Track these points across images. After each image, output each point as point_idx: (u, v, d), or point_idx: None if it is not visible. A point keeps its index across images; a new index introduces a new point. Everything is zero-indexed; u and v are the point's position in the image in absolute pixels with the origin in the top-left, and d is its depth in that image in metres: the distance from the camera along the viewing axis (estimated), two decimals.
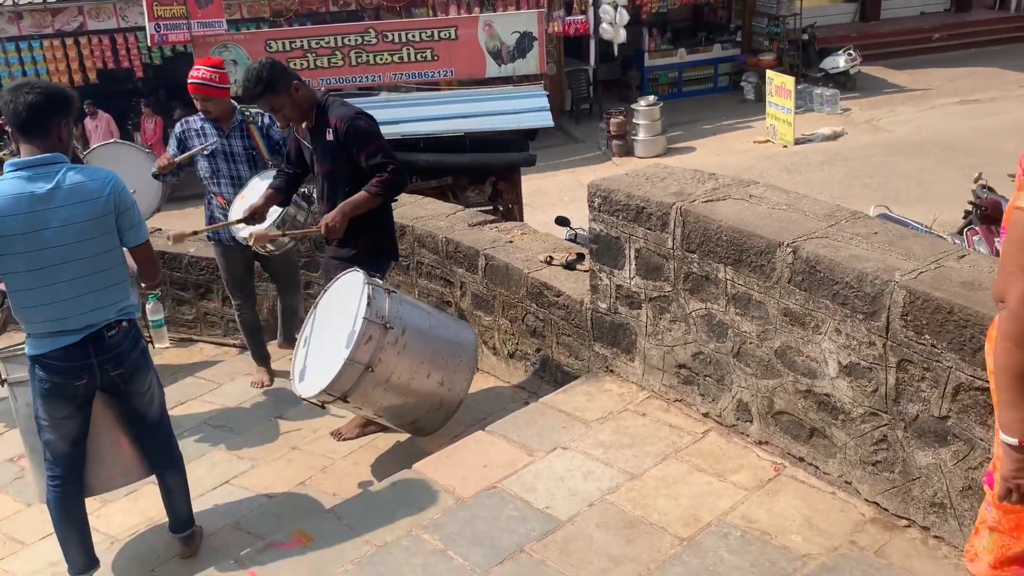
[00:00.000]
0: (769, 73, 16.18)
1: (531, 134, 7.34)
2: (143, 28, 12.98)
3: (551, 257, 4.45)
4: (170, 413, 4.85)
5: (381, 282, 3.81)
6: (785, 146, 15.52)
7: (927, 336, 2.61)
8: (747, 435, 3.36)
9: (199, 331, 6.48)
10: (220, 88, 4.70)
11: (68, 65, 14.94)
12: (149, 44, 11.61)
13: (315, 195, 4.35)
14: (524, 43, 9.84)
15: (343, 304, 3.73)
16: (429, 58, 8.74)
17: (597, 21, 16.24)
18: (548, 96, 7.52)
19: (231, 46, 9.26)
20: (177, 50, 13.59)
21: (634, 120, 15.86)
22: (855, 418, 2.91)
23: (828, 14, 20.53)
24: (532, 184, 13.18)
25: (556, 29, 16.49)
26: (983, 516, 2.11)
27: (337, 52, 8.74)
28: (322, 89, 4.21)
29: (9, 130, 3.03)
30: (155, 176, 4.85)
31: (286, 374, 5.13)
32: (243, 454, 4.39)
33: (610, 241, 3.76)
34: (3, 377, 3.42)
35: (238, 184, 4.74)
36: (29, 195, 2.88)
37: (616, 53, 17.29)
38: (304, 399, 3.75)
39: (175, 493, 3.47)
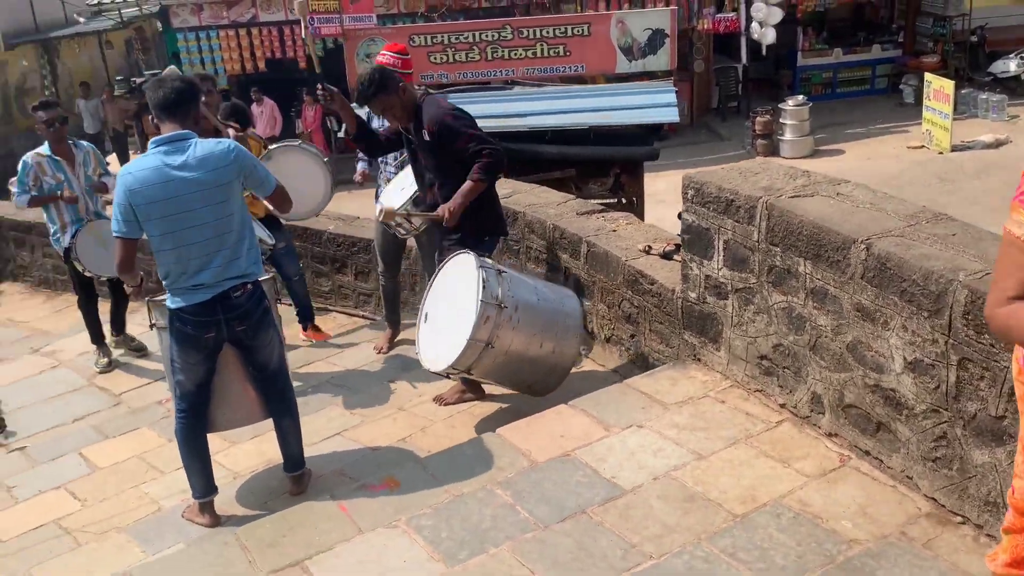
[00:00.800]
0: (928, 76, 15.44)
1: (657, 129, 7.47)
2: None
3: (650, 247, 4.62)
4: (300, 371, 5.42)
5: (491, 263, 4.16)
6: (940, 152, 14.79)
7: (986, 336, 2.65)
8: (819, 427, 3.44)
9: (333, 302, 7.02)
10: (403, 72, 5.08)
11: (240, 54, 16.16)
12: (303, 35, 12.45)
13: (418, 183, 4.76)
14: (656, 40, 9.92)
15: (459, 285, 4.14)
16: (561, 53, 9.01)
17: (748, 19, 16.00)
18: (677, 92, 7.62)
19: (378, 40, 9.83)
20: (339, 42, 14.49)
21: (781, 120, 15.53)
22: (918, 414, 2.96)
23: (1001, 15, 19.29)
24: (668, 180, 13.21)
25: (706, 26, 16.35)
26: (1007, 517, 2.17)
27: (475, 47, 9.15)
28: (422, 89, 4.57)
29: (153, 113, 3.55)
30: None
31: (404, 343, 5.59)
32: (356, 411, 4.82)
33: (700, 232, 3.90)
34: (152, 321, 3.95)
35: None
36: (166, 166, 3.37)
37: (765, 51, 16.94)
38: (433, 372, 4.23)
39: (288, 436, 3.90)
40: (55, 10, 18.72)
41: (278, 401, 3.89)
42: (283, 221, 5.90)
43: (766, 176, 3.75)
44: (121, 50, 22.07)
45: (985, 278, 2.71)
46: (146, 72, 19.96)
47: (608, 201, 7.94)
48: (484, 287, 3.94)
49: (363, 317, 6.67)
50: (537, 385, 4.31)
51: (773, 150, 15.50)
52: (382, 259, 5.54)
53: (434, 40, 9.39)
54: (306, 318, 6.24)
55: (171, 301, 3.55)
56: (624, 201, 7.81)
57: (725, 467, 3.31)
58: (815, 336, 3.38)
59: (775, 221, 3.45)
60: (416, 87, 4.60)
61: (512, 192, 5.90)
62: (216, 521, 3.79)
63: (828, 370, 3.34)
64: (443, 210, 4.29)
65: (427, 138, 4.30)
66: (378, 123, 5.12)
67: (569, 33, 8.96)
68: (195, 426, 3.75)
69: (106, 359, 6.19)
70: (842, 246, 3.15)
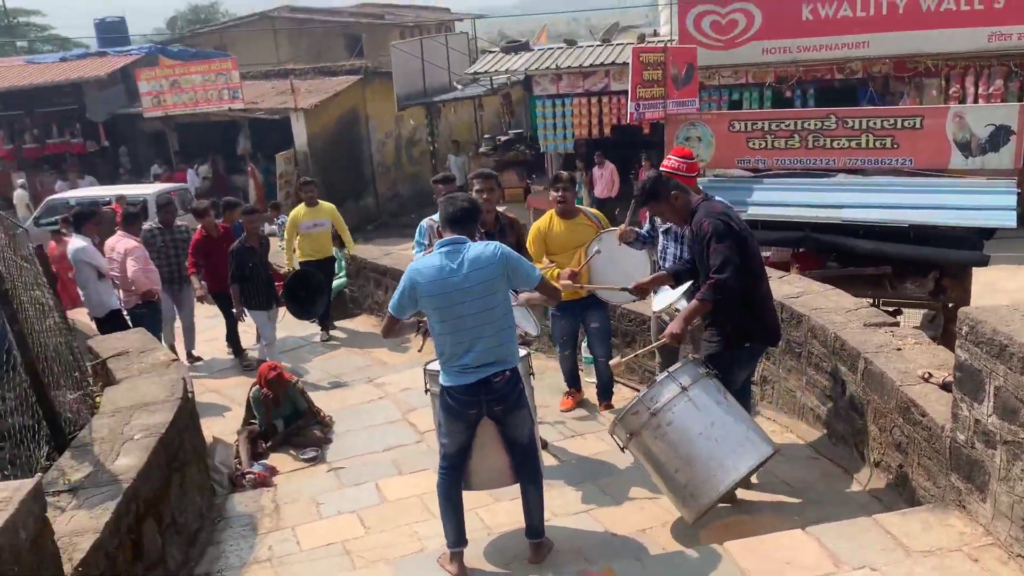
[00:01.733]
0: None
1: (988, 232, 6.81)
2: None
3: (930, 374, 4.32)
4: (562, 443, 5.75)
5: (687, 379, 4.26)
6: None
7: None
8: None
9: (620, 374, 7.31)
10: (686, 176, 5.39)
11: (590, 120, 17.24)
12: (629, 120, 13.01)
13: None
14: (998, 136, 8.94)
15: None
16: (889, 146, 8.49)
17: None
18: (1021, 193, 6.89)
19: (698, 124, 10.04)
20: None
21: None
22: None
23: None
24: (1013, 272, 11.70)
25: None
26: None
27: (795, 135, 8.97)
28: (700, 196, 4.71)
29: (440, 223, 4.28)
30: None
31: None
32: (609, 491, 5.04)
33: (972, 372, 3.62)
34: (427, 387, 4.57)
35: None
36: (446, 266, 3.96)
37: None
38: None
39: (532, 505, 4.27)
40: (442, 77, 21.43)
41: (525, 471, 4.28)
42: (605, 301, 6.21)
43: None
44: (492, 112, 24.58)
45: None
46: (511, 132, 22.05)
47: (928, 303, 7.38)
48: (650, 387, 4.29)
49: None
50: (669, 497, 4.43)
51: None
52: (658, 351, 5.71)
53: (754, 126, 9.38)
54: (605, 397, 6.55)
55: (442, 378, 4.13)
56: (951, 305, 7.20)
57: None
58: None
59: None
60: (696, 190, 4.82)
61: (803, 292, 5.80)
62: (462, 572, 4.24)
63: None
64: (670, 331, 4.45)
65: (694, 236, 4.53)
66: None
67: (899, 125, 8.46)
68: (453, 482, 4.26)
69: None
70: None
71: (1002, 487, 3.49)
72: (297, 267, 9.39)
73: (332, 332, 9.92)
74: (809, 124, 8.96)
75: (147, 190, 16.16)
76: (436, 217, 6.46)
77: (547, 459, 5.41)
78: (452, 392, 4.07)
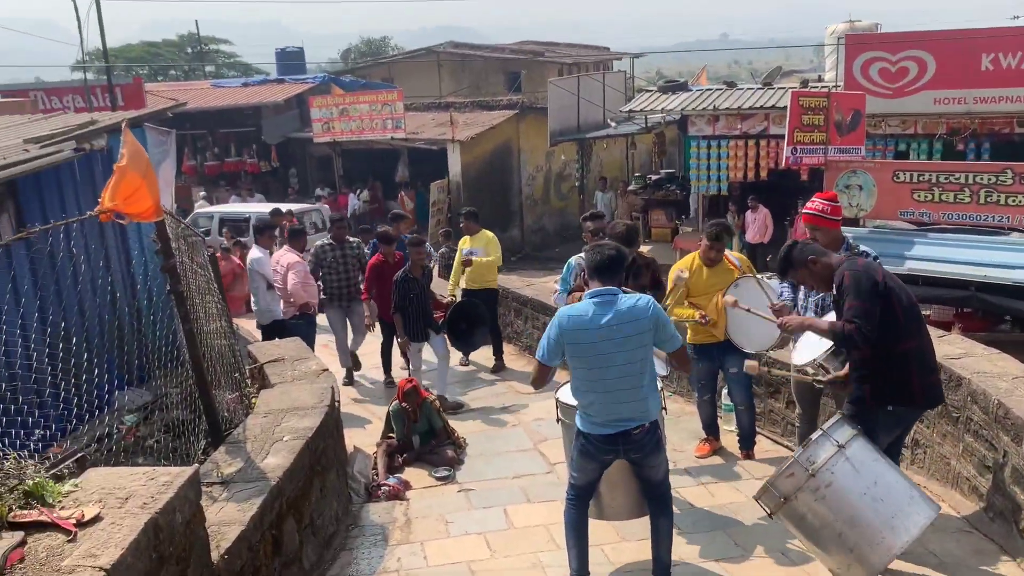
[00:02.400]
0: None
1: None
2: None
3: None
4: (699, 494, 5.63)
5: (844, 436, 4.11)
6: None
7: None
8: None
9: (762, 424, 7.07)
10: (830, 219, 5.24)
11: (746, 163, 16.90)
12: (786, 164, 12.65)
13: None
14: None
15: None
16: None
17: None
18: None
19: (860, 172, 9.65)
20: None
21: None
22: None
23: None
24: None
25: None
26: None
27: (966, 189, 8.44)
28: (842, 256, 4.59)
29: (586, 272, 4.30)
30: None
31: None
32: (740, 543, 4.89)
33: None
34: (559, 417, 4.64)
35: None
36: (597, 316, 3.99)
37: None
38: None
39: (662, 538, 4.27)
40: (596, 114, 21.63)
41: (657, 504, 4.30)
42: (742, 349, 6.00)
43: None
44: (643, 151, 24.54)
45: None
46: (662, 171, 21.95)
47: None
48: (806, 447, 4.14)
49: (787, 447, 6.63)
50: (831, 566, 4.23)
51: None
52: (799, 403, 5.54)
53: (920, 177, 8.92)
54: (746, 446, 6.41)
55: (581, 423, 4.18)
56: None
57: None
58: None
59: None
60: (839, 236, 4.74)
61: (965, 354, 5.47)
62: None
63: None
64: (784, 320, 4.60)
65: (835, 292, 4.33)
66: None
67: None
68: (581, 512, 4.31)
69: None
70: None
71: None
72: (458, 297, 9.45)
73: (471, 357, 10.05)
74: (982, 178, 8.44)
75: (254, 209, 17.11)
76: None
77: (677, 506, 5.30)
78: (590, 438, 4.12)
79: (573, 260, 6.33)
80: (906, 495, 4.08)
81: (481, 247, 9.59)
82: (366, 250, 9.80)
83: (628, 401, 4.04)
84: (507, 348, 10.64)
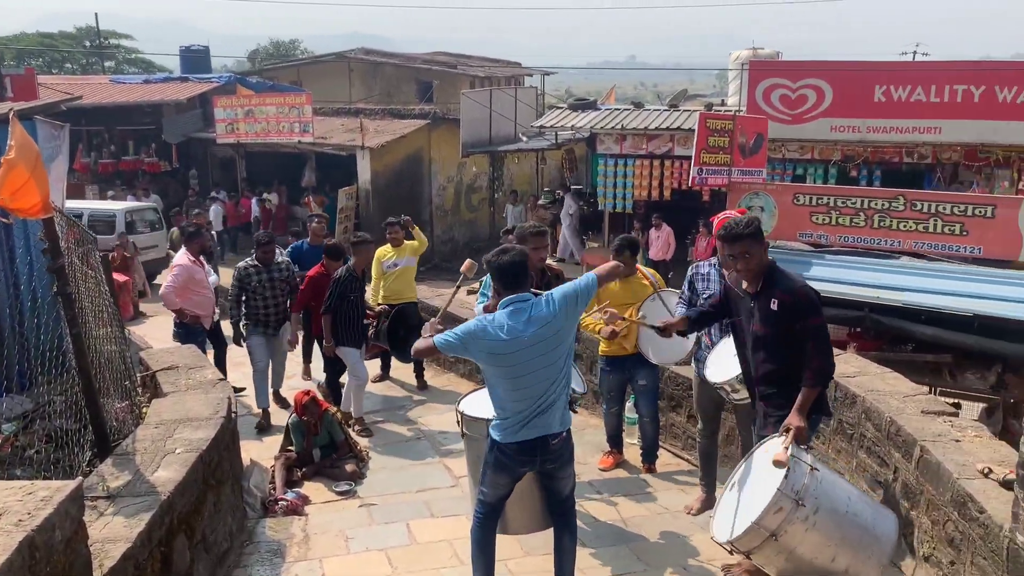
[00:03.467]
0: None
1: None
2: None
3: (990, 469, 4.15)
4: (601, 508, 5.63)
5: (809, 458, 3.96)
6: None
7: None
8: None
9: (664, 438, 7.16)
10: None
11: (650, 182, 17.24)
12: (691, 184, 13.01)
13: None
14: None
15: (767, 467, 3.98)
16: (957, 232, 8.30)
17: None
18: None
19: (762, 194, 10.00)
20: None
21: None
22: None
23: None
24: None
25: None
26: None
27: (861, 213, 8.84)
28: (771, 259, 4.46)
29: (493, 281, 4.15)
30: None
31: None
32: (643, 558, 4.91)
33: None
34: (463, 431, 4.55)
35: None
36: (515, 327, 3.89)
37: None
38: (713, 539, 4.13)
39: (565, 555, 4.22)
40: (507, 128, 21.73)
41: (562, 520, 4.24)
42: (654, 362, 6.04)
43: None
44: (553, 166, 24.79)
45: None
46: (572, 187, 22.19)
47: (989, 396, 7.16)
48: (787, 476, 3.81)
49: (687, 460, 6.72)
50: None
51: None
52: (701, 417, 5.61)
53: (819, 201, 9.29)
54: (649, 459, 6.43)
55: (495, 433, 4.08)
56: (1012, 401, 6.98)
57: None
58: None
59: None
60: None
61: (859, 372, 5.66)
62: None
63: None
64: (795, 425, 4.08)
65: (773, 307, 4.17)
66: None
67: (970, 213, 8.28)
68: (489, 529, 4.22)
69: None
70: None
71: None
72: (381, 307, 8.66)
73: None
74: (876, 203, 8.84)
75: (117, 206, 18.28)
76: None
77: (581, 519, 5.29)
78: (506, 449, 4.03)
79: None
80: (869, 504, 4.08)
81: (405, 258, 9.10)
82: (282, 255, 8.97)
83: (547, 409, 3.96)
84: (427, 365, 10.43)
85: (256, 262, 8.10)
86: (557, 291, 4.04)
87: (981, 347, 6.67)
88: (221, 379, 5.88)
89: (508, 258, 4.04)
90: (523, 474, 4.13)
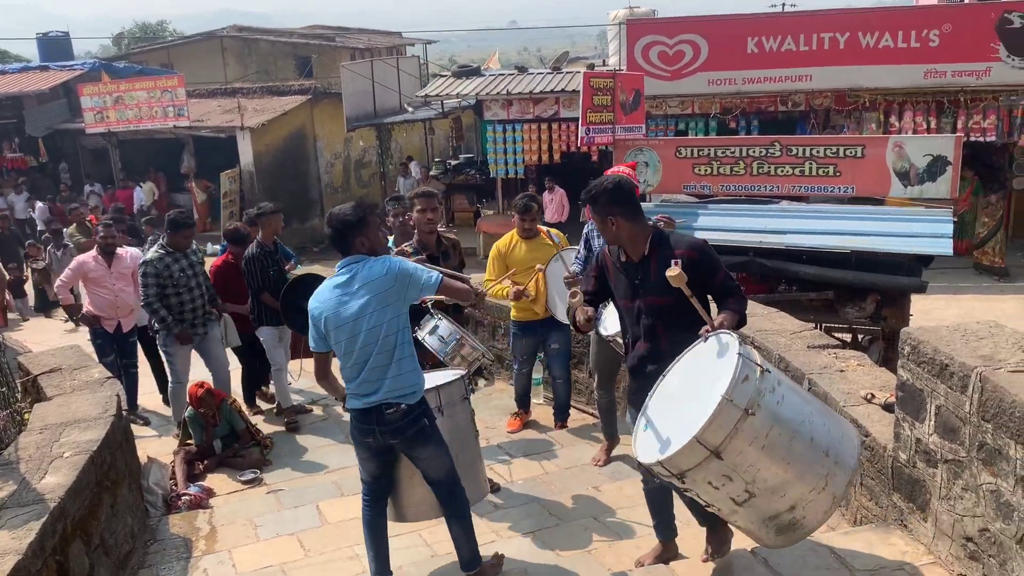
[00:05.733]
0: None
1: (927, 259, 6.99)
2: None
3: (872, 395, 4.37)
4: (512, 468, 5.67)
5: (757, 356, 3.22)
6: None
7: None
8: None
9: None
10: (636, 186, 5.34)
11: (540, 146, 17.35)
12: (580, 145, 13.16)
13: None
14: (936, 166, 9.25)
15: (704, 374, 3.28)
16: (831, 174, 8.71)
17: None
18: (955, 221, 7.11)
19: (646, 149, 10.20)
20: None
21: None
22: None
23: None
24: (963, 305, 12.09)
25: None
26: None
27: (741, 162, 9.14)
28: (652, 220, 4.31)
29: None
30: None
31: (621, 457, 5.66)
32: (555, 514, 4.99)
33: (914, 392, 3.67)
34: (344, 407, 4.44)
35: None
36: (342, 290, 3.80)
37: None
38: (639, 463, 3.44)
39: (459, 539, 4.09)
40: (392, 100, 21.40)
41: (447, 506, 4.06)
42: (560, 324, 6.03)
43: (990, 343, 3.47)
44: (442, 136, 24.62)
45: None
46: (462, 156, 22.08)
47: (868, 327, 7.53)
48: (734, 379, 3.03)
49: (592, 415, 6.85)
50: (811, 479, 3.18)
51: None
52: (598, 374, 5.68)
53: (700, 152, 9.54)
54: (561, 418, 6.53)
55: (347, 400, 3.98)
56: (886, 331, 7.35)
57: None
58: (1023, 529, 3.04)
59: (988, 395, 3.18)
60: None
61: (748, 314, 5.84)
62: None
63: None
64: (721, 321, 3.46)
65: (670, 270, 3.54)
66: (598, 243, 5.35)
67: (841, 154, 8.68)
68: (373, 513, 4.11)
69: None
70: None
71: (943, 506, 3.53)
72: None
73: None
74: (754, 151, 9.14)
75: None
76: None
77: (494, 479, 5.32)
78: (352, 416, 3.96)
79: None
80: (833, 420, 3.45)
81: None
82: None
83: (379, 377, 3.81)
84: None
85: (170, 247, 6.86)
86: (399, 262, 3.88)
87: (859, 281, 6.99)
88: (109, 377, 5.63)
89: (331, 216, 3.89)
90: (373, 447, 3.95)
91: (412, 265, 3.92)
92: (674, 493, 3.93)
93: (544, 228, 6.34)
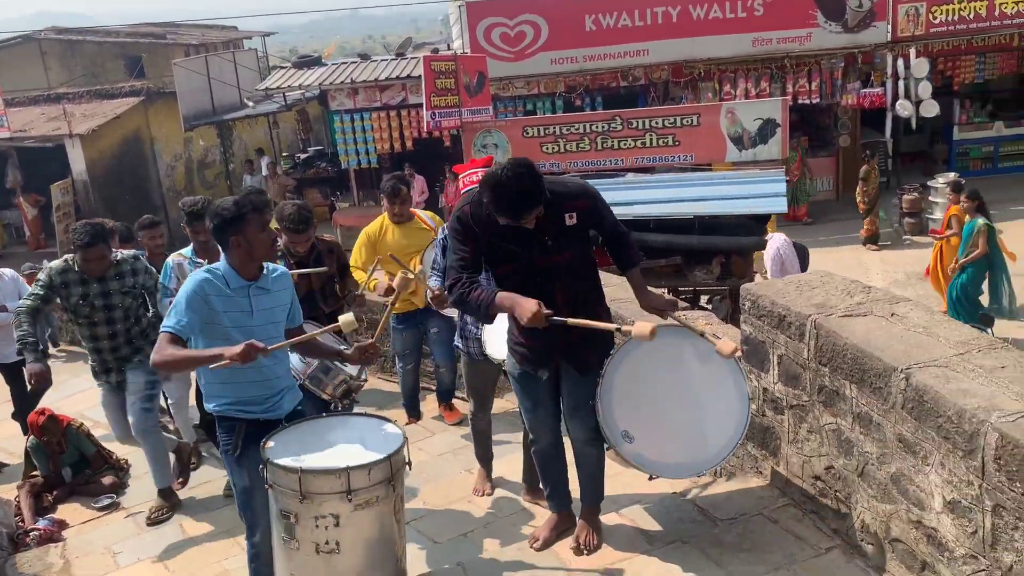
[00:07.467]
0: None
1: (764, 218, 7.36)
2: None
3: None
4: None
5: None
6: None
7: (1019, 484, 2.48)
8: (867, 557, 3.27)
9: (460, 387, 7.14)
10: None
11: (391, 133, 17.13)
12: (427, 130, 13.11)
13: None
14: (766, 129, 9.82)
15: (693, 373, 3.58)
16: (671, 143, 9.07)
17: (895, 95, 15.50)
18: (789, 180, 7.51)
19: (494, 131, 10.27)
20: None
21: (930, 198, 14.77)
22: (957, 558, 2.78)
23: None
24: (812, 260, 12.80)
25: (850, 101, 16.01)
26: None
27: (585, 138, 9.37)
28: None
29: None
30: None
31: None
32: (429, 502, 4.95)
33: (757, 344, 3.84)
34: None
35: None
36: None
37: (915, 125, 16.26)
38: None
39: None
40: (232, 95, 20.60)
41: None
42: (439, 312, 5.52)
43: (822, 291, 3.67)
44: (288, 130, 23.91)
45: (1019, 421, 2.54)
46: (311, 149, 21.53)
47: (717, 287, 7.86)
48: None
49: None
50: None
51: (922, 229, 14.74)
52: (474, 396, 4.92)
53: (546, 131, 9.70)
54: (446, 398, 6.26)
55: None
56: (733, 287, 7.70)
57: None
58: (863, 462, 3.24)
59: (823, 341, 3.37)
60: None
61: (605, 284, 5.96)
62: None
63: (875, 499, 3.19)
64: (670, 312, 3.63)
65: (572, 221, 3.45)
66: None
67: (678, 124, 9.03)
68: None
69: None
70: (883, 373, 3.03)
71: (792, 449, 3.72)
72: None
73: None
74: (597, 127, 9.35)
75: None
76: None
77: None
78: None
79: (171, 260, 5.34)
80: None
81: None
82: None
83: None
84: None
85: (69, 263, 5.20)
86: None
87: (703, 245, 7.28)
88: None
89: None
90: None
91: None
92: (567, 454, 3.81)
93: (420, 212, 6.05)
